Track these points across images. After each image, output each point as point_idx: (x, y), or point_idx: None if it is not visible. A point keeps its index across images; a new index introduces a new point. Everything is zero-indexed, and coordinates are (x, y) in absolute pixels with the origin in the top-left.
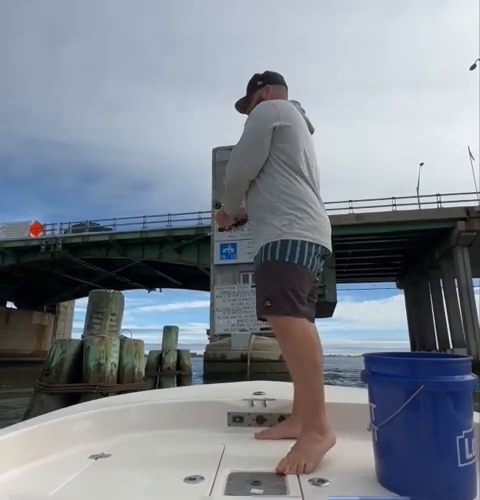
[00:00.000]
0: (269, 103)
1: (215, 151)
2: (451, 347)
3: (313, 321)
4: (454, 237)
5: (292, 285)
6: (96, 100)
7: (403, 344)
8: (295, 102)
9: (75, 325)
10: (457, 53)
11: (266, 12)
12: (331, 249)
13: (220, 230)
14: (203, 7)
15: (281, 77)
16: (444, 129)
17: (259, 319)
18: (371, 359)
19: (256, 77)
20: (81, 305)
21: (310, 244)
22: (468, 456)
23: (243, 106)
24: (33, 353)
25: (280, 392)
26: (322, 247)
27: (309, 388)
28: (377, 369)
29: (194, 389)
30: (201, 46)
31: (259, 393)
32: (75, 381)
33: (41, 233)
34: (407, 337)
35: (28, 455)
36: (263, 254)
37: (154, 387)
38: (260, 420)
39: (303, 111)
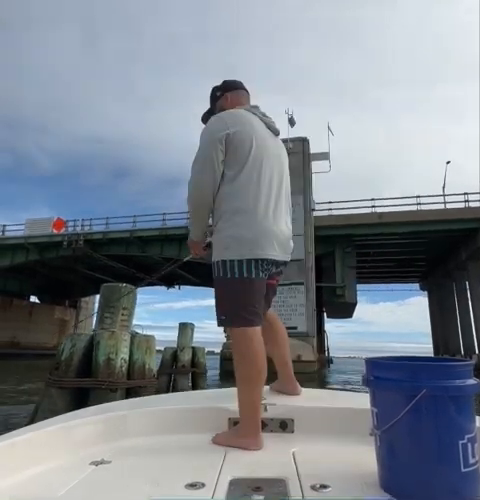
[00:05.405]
0: (216, 116)
1: None
2: (477, 352)
3: (268, 308)
4: None
5: (243, 299)
6: (130, 95)
7: (426, 348)
8: (254, 106)
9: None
10: None
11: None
12: (280, 257)
13: (194, 257)
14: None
15: (240, 83)
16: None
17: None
18: (373, 363)
19: (215, 89)
20: None
21: (248, 260)
22: (471, 461)
23: (207, 118)
24: (55, 346)
25: (281, 397)
26: (267, 260)
27: (241, 397)
28: (379, 373)
29: (195, 395)
30: (236, 38)
31: None
32: (84, 376)
33: (63, 229)
34: (430, 341)
35: (28, 461)
36: (214, 269)
37: (169, 384)
38: (261, 425)
39: (264, 115)
